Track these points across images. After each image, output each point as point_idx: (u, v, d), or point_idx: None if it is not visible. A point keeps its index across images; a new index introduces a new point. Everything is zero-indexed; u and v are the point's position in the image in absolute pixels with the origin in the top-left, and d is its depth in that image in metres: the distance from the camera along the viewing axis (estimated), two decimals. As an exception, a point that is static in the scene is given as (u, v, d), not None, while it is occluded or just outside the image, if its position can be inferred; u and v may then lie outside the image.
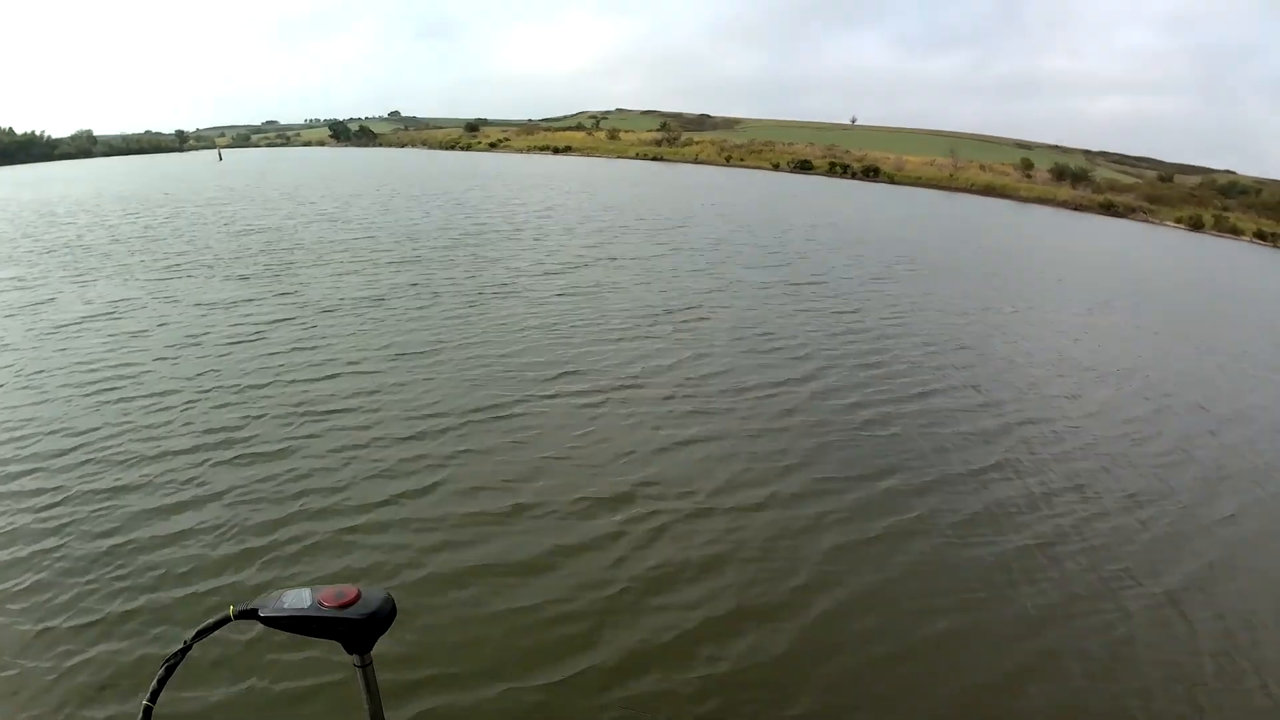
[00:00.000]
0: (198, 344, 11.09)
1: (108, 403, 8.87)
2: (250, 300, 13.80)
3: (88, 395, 9.10)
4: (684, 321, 13.41)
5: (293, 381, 9.62)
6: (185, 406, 8.76)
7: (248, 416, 8.49)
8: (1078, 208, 64.02)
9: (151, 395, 9.11)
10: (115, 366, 10.10)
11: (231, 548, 6.02)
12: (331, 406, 8.84)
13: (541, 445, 8.11)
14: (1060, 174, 78.85)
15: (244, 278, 15.79)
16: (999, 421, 9.82)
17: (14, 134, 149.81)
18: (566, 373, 10.37)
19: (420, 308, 13.39)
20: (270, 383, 9.56)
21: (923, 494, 7.63)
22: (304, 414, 8.59)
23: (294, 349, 10.90)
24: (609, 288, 15.65)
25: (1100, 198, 66.09)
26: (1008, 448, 8.98)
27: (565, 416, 8.91)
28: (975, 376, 11.64)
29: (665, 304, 14.58)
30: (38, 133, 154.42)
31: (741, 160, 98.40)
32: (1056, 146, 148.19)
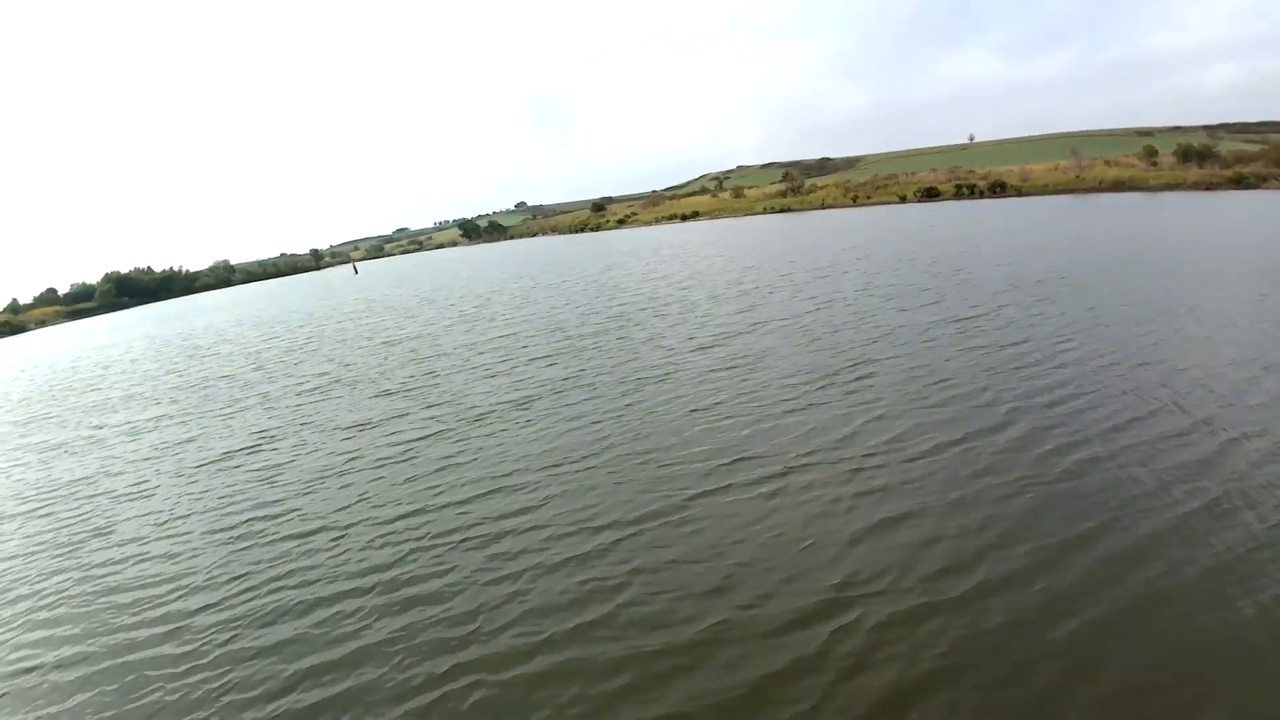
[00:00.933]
0: (343, 471, 11.19)
1: (252, 546, 8.96)
2: (396, 416, 13.98)
3: (231, 542, 9.29)
4: (852, 381, 12.54)
5: (446, 505, 9.38)
6: (333, 545, 8.69)
7: (401, 552, 8.27)
8: (1209, 187, 62.73)
9: (297, 536, 9.11)
10: (259, 505, 10.32)
11: (399, 709, 5.59)
12: (489, 530, 8.49)
13: (722, 550, 7.46)
14: (1185, 155, 77.39)
15: (388, 392, 16.12)
16: (1216, 441, 8.66)
17: (153, 272, 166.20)
18: (737, 459, 9.69)
19: (572, 405, 13.09)
20: (421, 508, 9.38)
21: (1155, 547, 6.66)
22: (460, 542, 8.26)
23: (445, 466, 10.78)
24: (766, 355, 14.95)
25: (1229, 172, 64.72)
26: (1232, 472, 7.84)
27: (743, 511, 8.22)
28: (1174, 393, 10.30)
29: (827, 364, 13.75)
30: (176, 268, 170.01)
31: (868, 198, 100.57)
32: (1177, 128, 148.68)
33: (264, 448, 13.15)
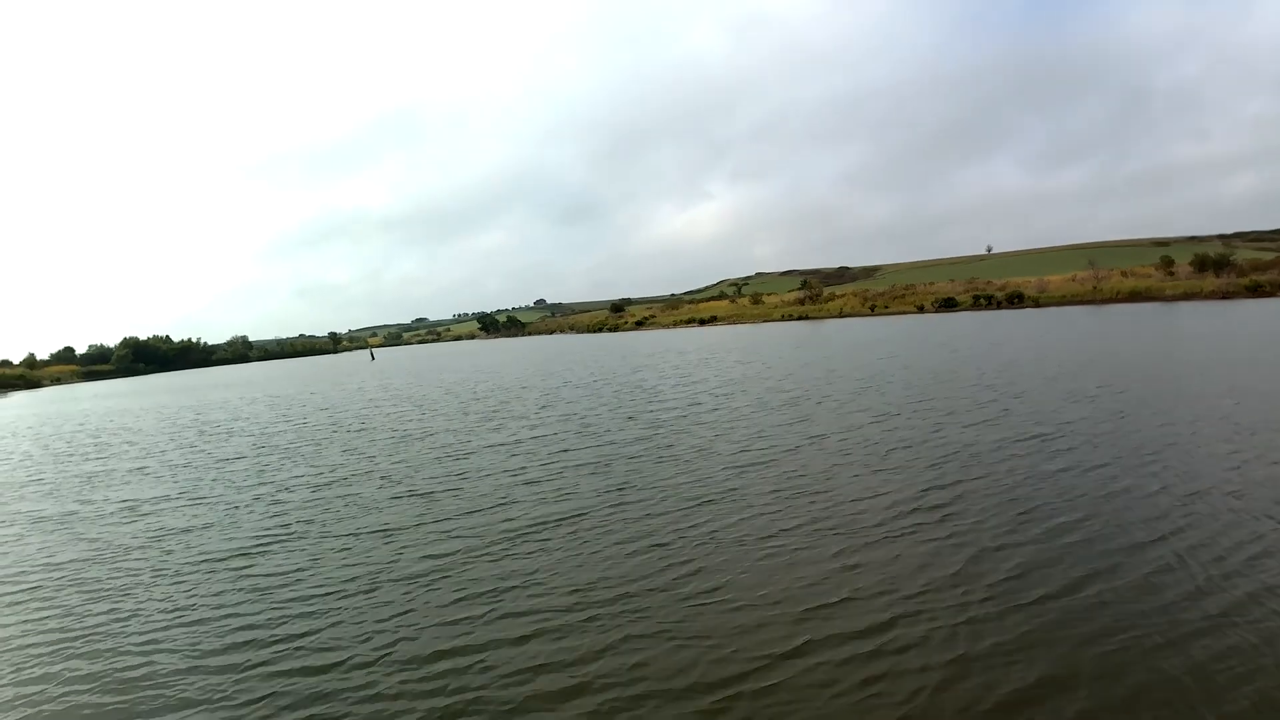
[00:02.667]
0: (368, 589, 9.48)
1: (246, 682, 7.14)
2: (426, 523, 12.31)
3: (219, 674, 7.40)
4: (936, 509, 10.93)
5: (490, 644, 7.62)
6: (355, 690, 6.88)
7: (441, 708, 6.50)
8: (1225, 295, 65.93)
9: (311, 672, 7.30)
10: (260, 626, 8.59)
11: None
12: (546, 685, 6.73)
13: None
14: (1201, 265, 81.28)
15: (415, 493, 14.64)
16: None
17: (171, 341, 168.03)
18: (828, 604, 8.00)
19: (626, 523, 11.38)
20: (462, 647, 7.62)
21: None
22: (517, 701, 6.53)
23: (487, 591, 9.05)
24: (833, 474, 13.33)
25: (1246, 280, 68.72)
26: None
27: (845, 677, 6.50)
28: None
29: (904, 486, 12.18)
30: (194, 340, 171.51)
31: (886, 307, 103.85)
32: (1193, 238, 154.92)
33: (274, 548, 11.48)
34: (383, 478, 16.30)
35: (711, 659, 7.05)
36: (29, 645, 8.54)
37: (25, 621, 9.31)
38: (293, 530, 12.51)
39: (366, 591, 9.35)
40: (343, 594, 9.32)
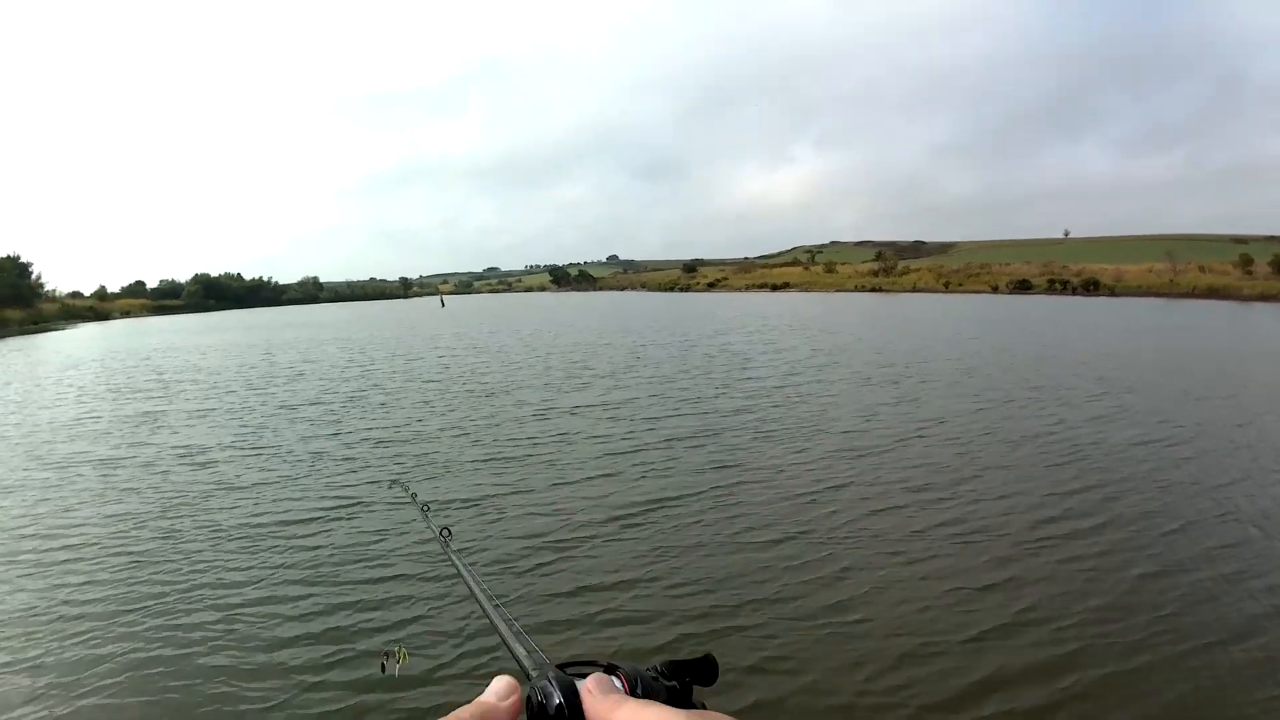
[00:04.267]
0: (432, 578, 7.97)
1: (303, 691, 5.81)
2: (517, 491, 10.85)
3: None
4: (1085, 517, 9.32)
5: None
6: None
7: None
8: None
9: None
10: (313, 616, 7.13)
11: None
12: None
13: None
14: None
15: (505, 457, 13.08)
16: None
17: (242, 279, 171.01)
18: (986, 638, 6.38)
19: (734, 516, 9.79)
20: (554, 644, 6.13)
21: None
22: None
23: (576, 592, 7.53)
24: (956, 470, 11.55)
25: None
26: None
27: None
28: None
29: (1041, 489, 10.53)
30: (265, 278, 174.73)
31: (960, 285, 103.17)
32: (1273, 237, 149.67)
33: (343, 517, 10.19)
34: (462, 435, 15.00)
35: (876, 702, 5.54)
36: (60, 614, 7.37)
37: (57, 586, 8.16)
38: (368, 496, 11.24)
39: (436, 579, 7.94)
40: (420, 577, 7.94)
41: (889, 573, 7.85)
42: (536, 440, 14.34)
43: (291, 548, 8.96)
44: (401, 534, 9.21)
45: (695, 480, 11.31)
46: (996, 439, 13.79)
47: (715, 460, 12.49)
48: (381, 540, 9.07)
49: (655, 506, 10.09)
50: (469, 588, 1.55)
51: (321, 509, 10.41)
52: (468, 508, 10.33)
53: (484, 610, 1.43)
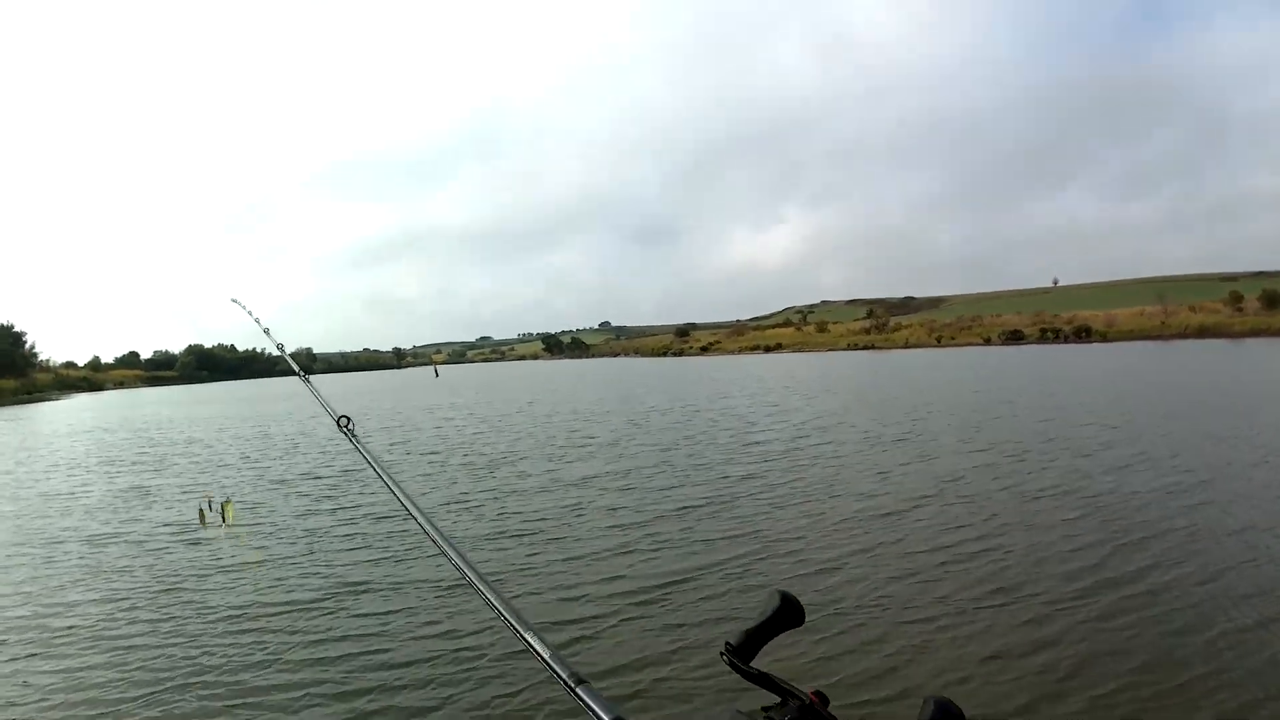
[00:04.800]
0: (448, 668, 7.57)
1: None
2: (529, 569, 10.43)
3: None
4: (1132, 578, 8.83)
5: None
6: None
7: None
8: None
9: None
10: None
11: None
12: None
13: None
14: (1271, 301, 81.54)
15: (512, 534, 12.67)
16: None
17: (235, 350, 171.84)
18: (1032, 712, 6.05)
19: (758, 586, 9.38)
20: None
21: None
22: None
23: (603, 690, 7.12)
24: (1001, 536, 11.17)
25: None
26: None
27: None
28: None
29: (1071, 545, 10.16)
30: (258, 350, 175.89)
31: (952, 339, 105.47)
32: (1261, 273, 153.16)
33: (360, 595, 9.76)
34: (464, 510, 14.56)
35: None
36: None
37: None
38: (374, 579, 10.80)
39: (458, 662, 7.51)
40: (430, 662, 7.52)
41: (924, 640, 7.47)
42: (544, 515, 13.84)
43: (295, 630, 8.55)
44: (411, 614, 8.82)
45: (712, 553, 10.85)
46: (1015, 494, 13.52)
47: (731, 531, 12.02)
48: (386, 625, 8.66)
49: (674, 581, 9.67)
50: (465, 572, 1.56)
51: (325, 590, 9.99)
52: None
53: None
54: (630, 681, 6.92)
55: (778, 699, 1.12)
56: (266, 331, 4.39)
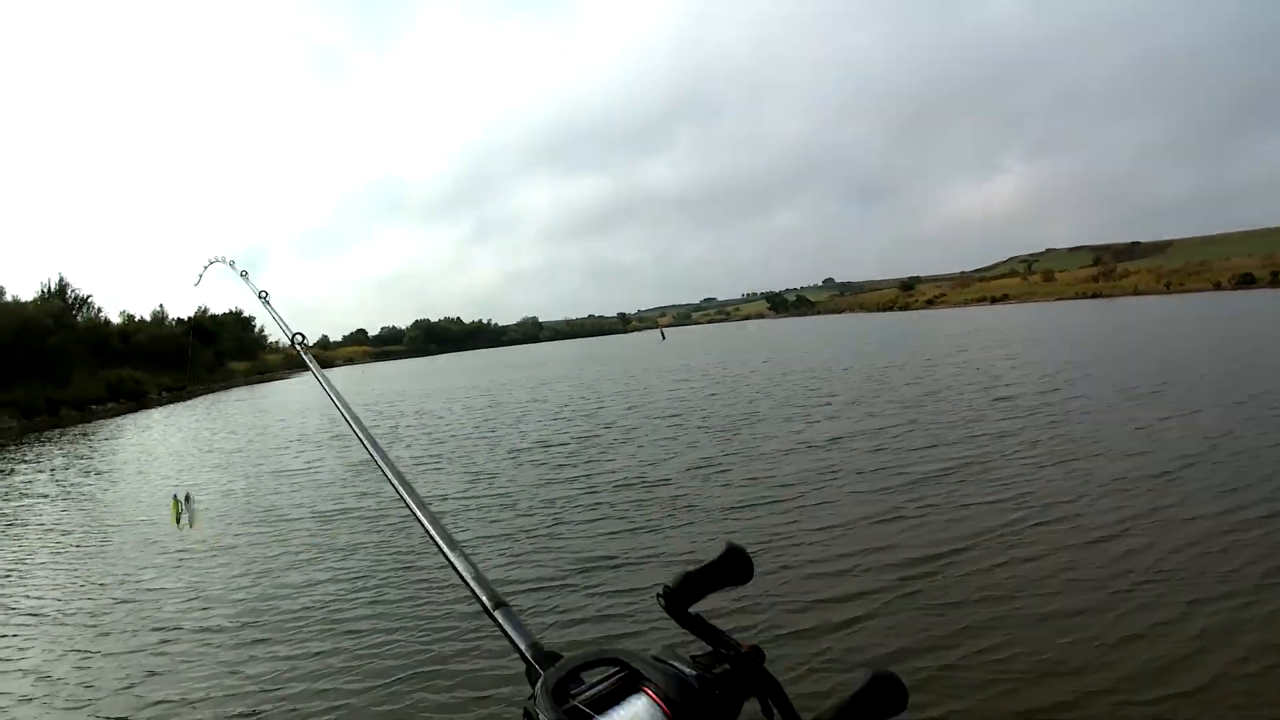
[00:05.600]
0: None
1: None
2: (782, 569, 9.90)
3: None
4: None
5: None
6: None
7: None
8: None
9: None
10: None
11: None
12: None
13: None
14: None
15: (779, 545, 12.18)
16: None
17: (462, 322, 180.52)
18: None
19: (1032, 559, 8.41)
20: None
21: None
22: None
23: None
24: None
25: None
26: None
27: None
28: None
29: None
30: (485, 320, 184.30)
31: (1181, 285, 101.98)
32: None
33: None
34: (708, 477, 14.24)
35: None
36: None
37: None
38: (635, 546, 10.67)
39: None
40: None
41: (1227, 620, 6.42)
42: (795, 480, 13.16)
43: (544, 609, 8.48)
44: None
45: (982, 519, 9.95)
46: None
47: (994, 496, 11.02)
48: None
49: (946, 552, 8.85)
50: None
51: (561, 570, 9.93)
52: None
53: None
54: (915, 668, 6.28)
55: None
56: (270, 308, 3.80)
